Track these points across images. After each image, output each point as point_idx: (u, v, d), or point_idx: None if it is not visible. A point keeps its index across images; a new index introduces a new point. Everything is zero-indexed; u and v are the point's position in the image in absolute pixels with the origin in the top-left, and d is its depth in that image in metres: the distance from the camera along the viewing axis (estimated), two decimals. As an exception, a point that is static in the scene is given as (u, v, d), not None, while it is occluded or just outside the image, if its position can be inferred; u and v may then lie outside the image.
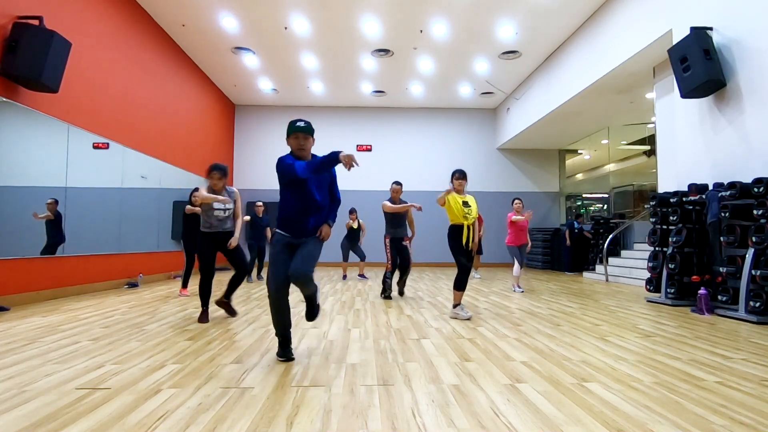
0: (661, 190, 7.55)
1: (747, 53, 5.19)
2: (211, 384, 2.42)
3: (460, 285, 4.59)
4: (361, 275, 9.20)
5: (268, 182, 13.28)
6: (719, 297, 5.10)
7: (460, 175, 4.72)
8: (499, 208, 13.02)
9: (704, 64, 5.33)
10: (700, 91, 5.58)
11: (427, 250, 12.82)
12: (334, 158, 2.68)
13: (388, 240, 6.21)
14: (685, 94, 5.67)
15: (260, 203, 8.38)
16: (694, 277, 5.51)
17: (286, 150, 3.18)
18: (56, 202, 5.96)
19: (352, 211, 8.93)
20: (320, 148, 2.85)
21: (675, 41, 5.97)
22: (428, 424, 1.92)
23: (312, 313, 3.11)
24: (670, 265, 5.64)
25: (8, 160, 5.25)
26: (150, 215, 8.51)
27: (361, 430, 1.86)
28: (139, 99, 7.98)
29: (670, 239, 5.75)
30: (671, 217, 5.80)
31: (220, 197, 4.22)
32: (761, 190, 4.69)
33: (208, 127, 11.57)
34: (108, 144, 7.07)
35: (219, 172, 4.30)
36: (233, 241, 4.42)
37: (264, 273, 8.68)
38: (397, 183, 6.31)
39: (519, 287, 7.03)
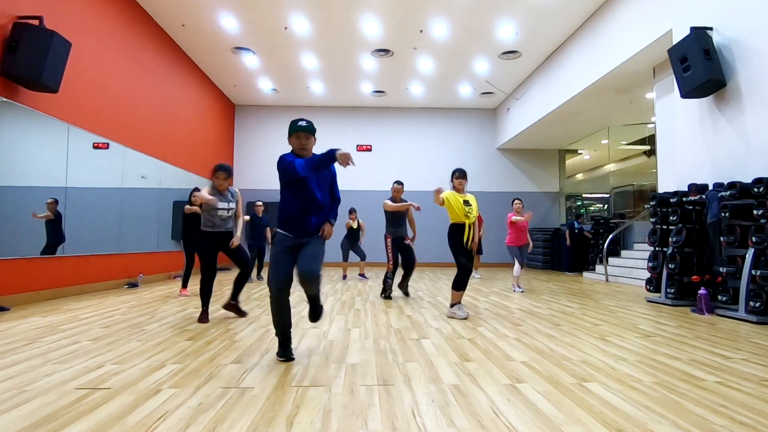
0: (661, 190, 7.56)
1: (747, 53, 5.19)
2: (211, 384, 2.42)
3: (458, 285, 4.59)
4: (362, 275, 9.20)
5: (268, 182, 13.28)
6: (719, 297, 5.10)
7: (460, 175, 4.72)
8: (499, 208, 13.02)
9: (704, 64, 5.33)
10: (700, 91, 5.58)
11: (427, 250, 12.81)
12: (331, 156, 2.68)
13: (389, 240, 6.21)
14: (685, 94, 5.67)
15: (260, 203, 8.37)
16: (694, 277, 5.51)
17: (285, 150, 3.18)
18: (56, 201, 5.96)
19: (352, 211, 8.93)
20: (321, 148, 2.85)
21: (675, 41, 5.97)
22: (428, 424, 1.92)
23: (315, 313, 3.11)
24: (670, 265, 5.64)
25: (8, 160, 5.25)
26: (150, 215, 8.51)
27: (361, 430, 1.86)
28: (139, 99, 7.98)
29: (670, 239, 5.75)
30: (671, 217, 5.80)
31: (211, 198, 4.17)
32: (761, 190, 4.68)
33: (208, 127, 11.57)
34: (108, 144, 7.07)
35: (224, 173, 4.29)
36: (235, 241, 4.42)
37: (264, 273, 8.68)
38: (399, 182, 6.32)
39: (519, 287, 7.03)
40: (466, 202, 4.62)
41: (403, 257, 6.20)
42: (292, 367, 2.79)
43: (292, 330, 3.02)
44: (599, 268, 9.45)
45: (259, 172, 13.48)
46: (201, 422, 1.91)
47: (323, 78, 11.54)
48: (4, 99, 5.09)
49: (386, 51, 9.87)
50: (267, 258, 7.71)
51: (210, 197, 4.18)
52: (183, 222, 6.31)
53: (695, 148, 6.02)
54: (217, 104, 12.13)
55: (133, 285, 7.37)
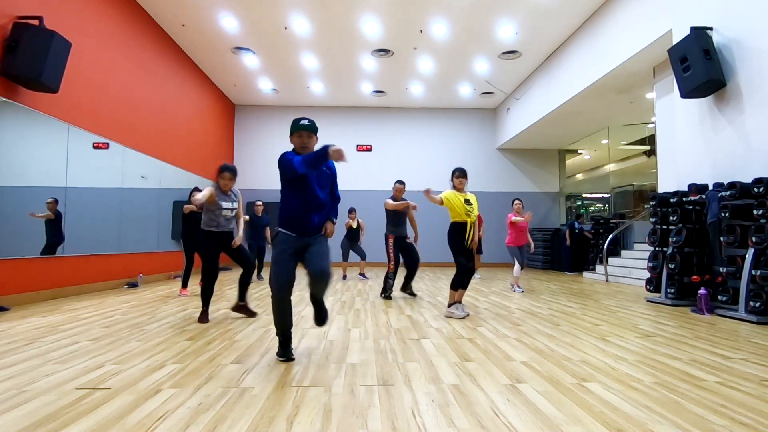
0: (661, 190, 7.56)
1: (747, 53, 5.19)
2: (211, 384, 2.42)
3: (456, 284, 4.59)
4: (362, 274, 9.20)
5: (268, 182, 13.28)
6: (719, 297, 5.10)
7: (460, 174, 4.72)
8: (499, 208, 13.01)
9: (704, 64, 5.33)
10: (700, 91, 5.58)
11: (427, 250, 12.79)
12: (324, 152, 2.65)
13: (391, 240, 6.20)
14: (685, 94, 5.67)
15: (260, 203, 8.37)
16: (694, 277, 5.51)
17: (285, 150, 3.18)
18: (56, 201, 5.95)
19: (352, 211, 8.93)
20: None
21: (675, 41, 5.97)
22: (428, 424, 1.92)
23: (321, 317, 3.09)
24: (670, 265, 5.64)
25: (8, 160, 5.25)
26: (150, 215, 8.51)
27: (361, 430, 1.86)
28: (139, 99, 7.98)
29: (670, 239, 5.75)
30: (671, 217, 5.80)
31: (208, 193, 4.14)
32: (761, 190, 4.69)
33: (208, 127, 11.57)
34: (108, 144, 7.07)
35: (230, 173, 4.29)
36: (237, 240, 4.42)
37: (264, 273, 8.67)
38: (400, 182, 6.35)
39: (519, 287, 7.04)
40: (467, 201, 4.62)
41: (405, 257, 6.20)
42: (292, 367, 2.79)
43: (292, 330, 3.01)
44: (599, 268, 9.45)
45: (259, 172, 13.48)
46: (201, 422, 1.91)
47: (323, 78, 11.54)
48: (4, 99, 5.08)
49: (386, 51, 9.87)
50: (267, 258, 7.71)
51: (208, 192, 4.12)
52: (183, 222, 6.31)
53: (695, 148, 6.02)
54: (217, 104, 12.13)
55: (133, 285, 7.37)
